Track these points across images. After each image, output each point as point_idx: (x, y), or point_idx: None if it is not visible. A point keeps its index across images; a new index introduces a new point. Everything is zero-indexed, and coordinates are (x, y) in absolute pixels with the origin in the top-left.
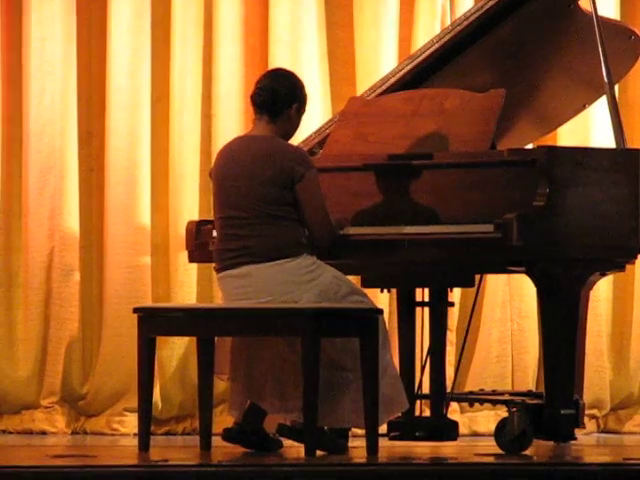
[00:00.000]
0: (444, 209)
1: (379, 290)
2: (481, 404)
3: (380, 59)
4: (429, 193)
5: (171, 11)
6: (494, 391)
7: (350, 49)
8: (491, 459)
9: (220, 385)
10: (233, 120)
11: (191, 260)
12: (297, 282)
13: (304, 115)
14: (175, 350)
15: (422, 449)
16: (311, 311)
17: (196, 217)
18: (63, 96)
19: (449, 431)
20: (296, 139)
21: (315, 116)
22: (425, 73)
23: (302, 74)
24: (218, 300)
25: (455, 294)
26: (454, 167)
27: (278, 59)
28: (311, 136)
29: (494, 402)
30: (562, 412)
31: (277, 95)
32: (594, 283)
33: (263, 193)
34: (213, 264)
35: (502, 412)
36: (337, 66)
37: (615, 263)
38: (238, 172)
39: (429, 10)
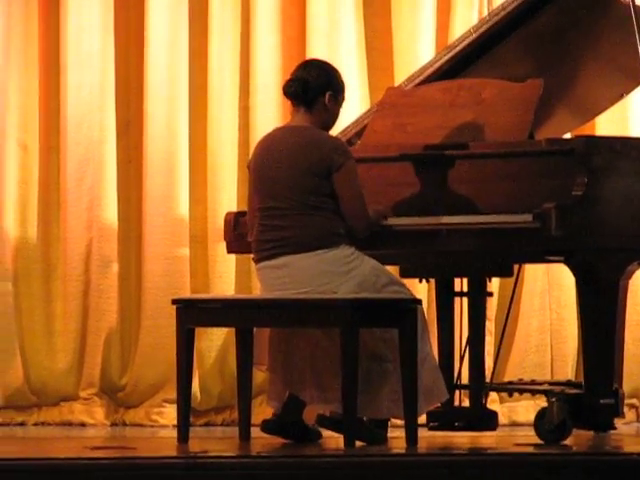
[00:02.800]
0: (482, 199)
1: (418, 280)
2: (520, 394)
3: (418, 49)
4: (467, 183)
5: (209, 2)
6: (533, 381)
7: (388, 39)
8: (531, 449)
9: (259, 376)
10: (270, 112)
11: (229, 251)
12: (336, 272)
13: (343, 105)
14: (214, 341)
15: (461, 439)
16: (349, 302)
17: (234, 208)
18: (101, 88)
19: (488, 421)
20: (334, 130)
21: (353, 107)
22: (462, 63)
23: (340, 65)
24: (256, 292)
25: (494, 284)
26: (491, 157)
27: (316, 50)
28: (349, 127)
29: (533, 392)
30: (601, 402)
31: (307, 84)
32: (633, 272)
33: (301, 183)
34: (252, 255)
35: (541, 402)
36: (375, 56)
37: None
38: (276, 162)
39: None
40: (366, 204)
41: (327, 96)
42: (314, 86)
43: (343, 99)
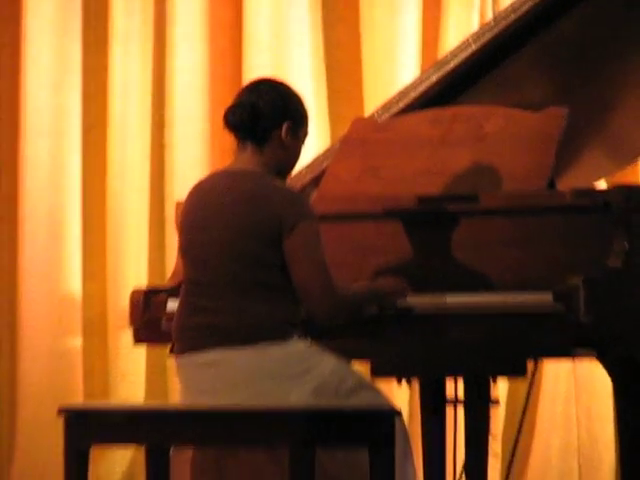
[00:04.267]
0: (486, 271)
1: (396, 381)
2: None
3: (396, 66)
4: (465, 249)
5: (109, 4)
6: None
7: (355, 54)
8: None
9: None
10: (194, 151)
11: (137, 340)
12: (286, 374)
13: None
14: (117, 465)
15: None
16: (303, 412)
17: (144, 284)
18: None
19: None
20: None
21: (308, 144)
22: (458, 85)
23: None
24: (175, 396)
25: (500, 387)
26: (501, 214)
27: (255, 68)
28: (302, 171)
29: None
30: None
31: (258, 112)
32: None
33: (242, 250)
34: (169, 345)
35: None
36: (337, 75)
37: None
38: (209, 220)
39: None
40: (331, 277)
41: (285, 128)
42: (267, 115)
43: (306, 133)
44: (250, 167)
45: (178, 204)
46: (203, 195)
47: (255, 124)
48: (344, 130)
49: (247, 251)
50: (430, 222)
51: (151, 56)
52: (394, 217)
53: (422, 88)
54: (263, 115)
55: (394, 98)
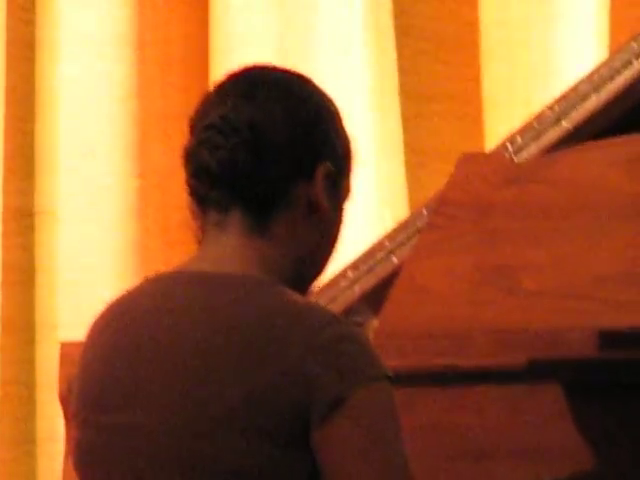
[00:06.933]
0: None
1: None
2: None
3: (556, 57)
4: None
5: None
6: None
7: (469, 32)
8: None
9: None
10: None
11: None
12: None
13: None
14: None
15: None
16: None
17: None
18: None
19: None
20: None
21: (352, 212)
22: None
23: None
24: None
25: None
26: None
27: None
28: (344, 271)
29: None
30: None
31: (263, 143)
32: None
33: (214, 458)
34: None
35: None
36: (413, 72)
37: None
38: (143, 389)
39: None
40: None
41: (318, 177)
42: (281, 150)
43: (349, 175)
44: (239, 266)
45: (66, 346)
46: (131, 330)
47: (254, 171)
48: (435, 180)
49: (235, 452)
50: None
51: None
52: (550, 379)
53: (600, 98)
54: (271, 151)
55: (544, 116)
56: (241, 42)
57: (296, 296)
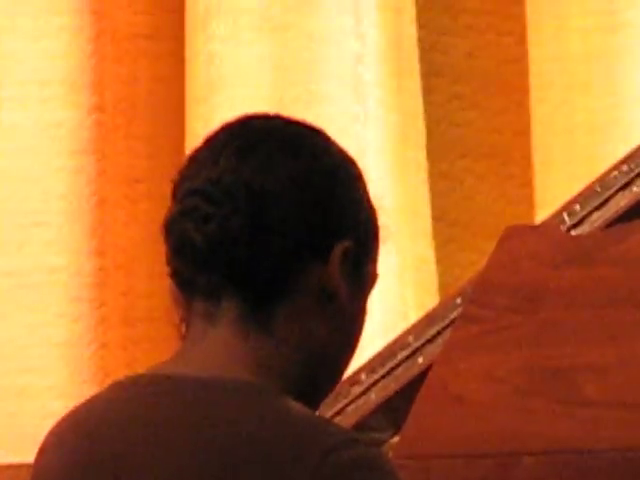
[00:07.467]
0: None
1: None
2: None
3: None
4: None
5: None
6: None
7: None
8: None
9: None
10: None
11: None
12: None
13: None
14: None
15: None
16: None
17: None
18: None
19: None
20: None
21: (373, 305)
22: None
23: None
24: None
25: None
26: None
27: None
28: (357, 375)
29: None
30: None
31: (268, 216)
32: None
33: None
34: None
35: None
36: (438, 113)
37: None
38: None
39: None
40: None
41: (334, 262)
42: (289, 224)
43: (376, 258)
44: (232, 369)
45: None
46: (96, 446)
47: (252, 249)
48: (471, 259)
49: None
50: None
51: None
52: None
53: None
54: (274, 224)
55: (610, 178)
56: (224, 83)
57: (303, 409)
